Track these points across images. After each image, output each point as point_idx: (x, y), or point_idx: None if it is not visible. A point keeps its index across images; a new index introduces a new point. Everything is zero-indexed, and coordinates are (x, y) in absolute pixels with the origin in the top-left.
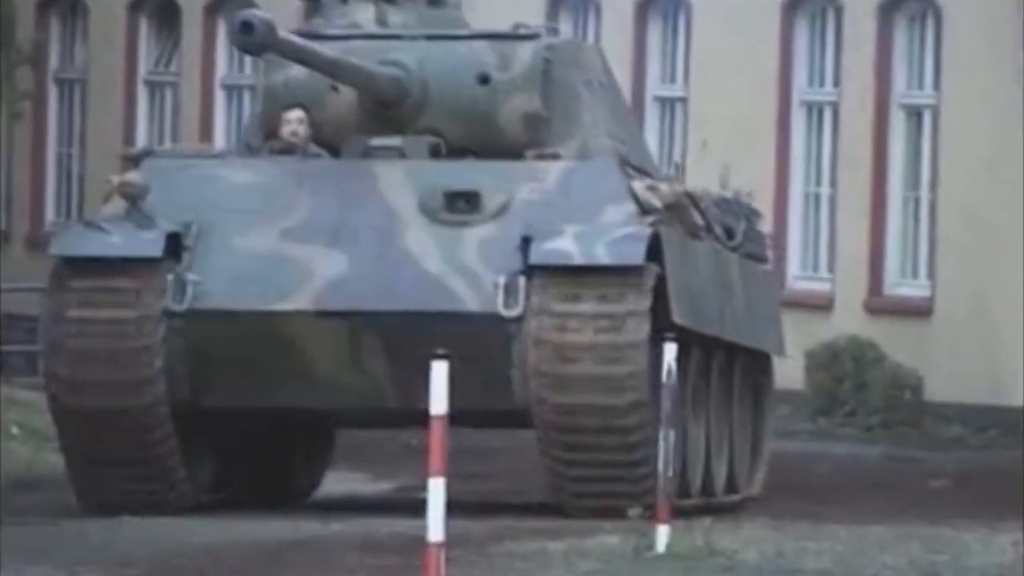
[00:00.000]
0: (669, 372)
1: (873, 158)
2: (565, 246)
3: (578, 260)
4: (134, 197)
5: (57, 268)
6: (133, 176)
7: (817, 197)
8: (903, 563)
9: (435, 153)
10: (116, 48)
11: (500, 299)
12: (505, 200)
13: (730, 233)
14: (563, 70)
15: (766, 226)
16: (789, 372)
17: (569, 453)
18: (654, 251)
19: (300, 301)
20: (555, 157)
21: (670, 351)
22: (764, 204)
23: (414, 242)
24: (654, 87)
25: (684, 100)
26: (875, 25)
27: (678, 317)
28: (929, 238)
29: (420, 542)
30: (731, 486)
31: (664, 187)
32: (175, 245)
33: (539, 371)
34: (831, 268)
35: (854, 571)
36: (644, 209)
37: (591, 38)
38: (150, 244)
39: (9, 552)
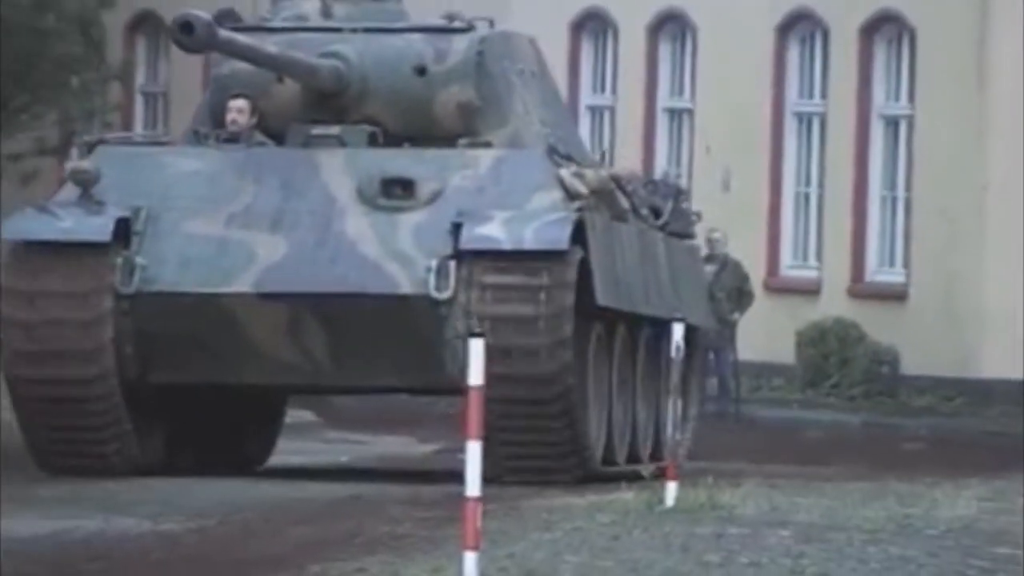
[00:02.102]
0: (677, 348)
1: (855, 162)
2: (494, 232)
3: (506, 245)
4: (85, 183)
5: (10, 250)
6: (84, 163)
7: (807, 196)
8: (881, 516)
9: (373, 142)
10: (194, 64)
11: (432, 282)
12: (438, 187)
13: (657, 213)
14: (496, 61)
15: (758, 220)
16: (782, 348)
17: (498, 422)
18: (579, 236)
19: (243, 284)
20: (487, 145)
21: (678, 331)
22: (760, 202)
23: (352, 227)
24: (664, 100)
25: (691, 111)
26: (857, 46)
27: (602, 298)
28: (904, 232)
29: (460, 497)
30: (657, 454)
31: (590, 173)
32: (125, 230)
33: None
34: (819, 258)
35: (838, 523)
36: (571, 195)
37: (609, 57)
38: (99, 229)
39: (90, 503)
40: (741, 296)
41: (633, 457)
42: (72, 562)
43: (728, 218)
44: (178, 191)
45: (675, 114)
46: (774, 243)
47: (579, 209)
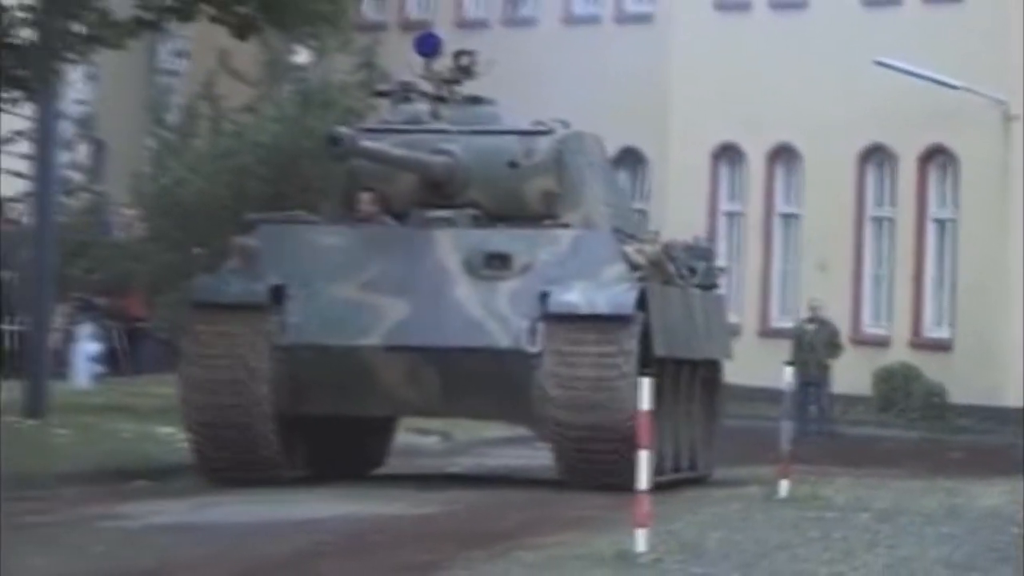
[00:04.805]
0: (789, 385)
1: (915, 252)
2: (574, 299)
3: (584, 310)
4: (248, 256)
5: (192, 307)
6: (247, 239)
7: (880, 276)
8: (934, 504)
9: (476, 222)
10: None
11: (525, 339)
12: (529, 261)
13: (693, 271)
14: (572, 156)
15: (846, 293)
16: (862, 384)
17: (575, 447)
18: (641, 301)
19: (374, 338)
20: (566, 226)
21: (788, 373)
22: (847, 280)
23: (460, 293)
24: (780, 207)
25: (798, 216)
26: (916, 169)
27: (659, 350)
28: (951, 302)
29: (628, 492)
30: (692, 464)
31: (648, 248)
32: (279, 293)
33: (550, 397)
34: (889, 319)
35: (903, 509)
36: (633, 267)
37: (738, 177)
38: (258, 293)
39: (332, 497)
40: (833, 347)
41: (676, 467)
42: (360, 535)
43: (824, 291)
44: (322, 262)
45: (787, 218)
46: (857, 309)
47: (640, 278)
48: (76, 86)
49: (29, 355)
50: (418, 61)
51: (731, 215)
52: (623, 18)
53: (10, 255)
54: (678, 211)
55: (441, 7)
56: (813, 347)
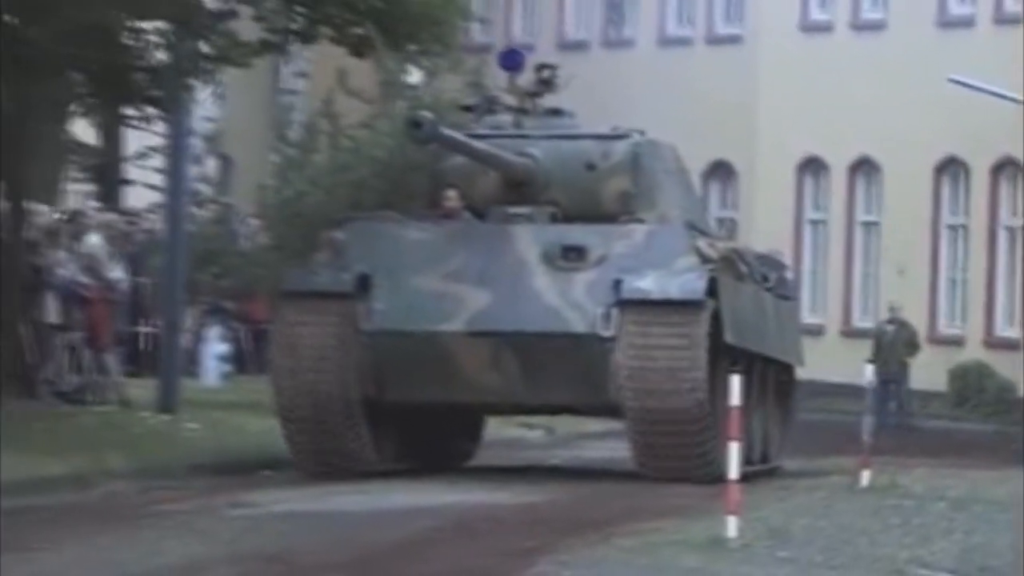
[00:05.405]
0: (869, 381)
1: (987, 258)
2: (646, 285)
3: (656, 296)
4: (336, 249)
5: (283, 297)
6: (336, 233)
7: (955, 280)
8: (1005, 493)
9: (554, 219)
10: None
11: (599, 324)
12: (604, 253)
13: (765, 278)
14: (647, 161)
15: (923, 296)
16: (938, 381)
17: (648, 429)
18: (711, 289)
19: (456, 325)
20: (640, 222)
21: (869, 370)
22: (922, 282)
23: (538, 283)
24: (860, 216)
25: (878, 224)
26: (988, 179)
27: (729, 338)
28: (1021, 303)
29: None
30: (763, 458)
31: (720, 244)
32: (366, 283)
33: (625, 366)
34: (963, 320)
35: (977, 497)
36: (704, 259)
37: (822, 188)
38: (345, 282)
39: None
40: (911, 346)
41: (748, 460)
42: (468, 522)
43: (903, 294)
44: (406, 254)
45: (868, 226)
46: (933, 310)
47: (711, 270)
48: (205, 105)
49: (162, 355)
50: (503, 76)
51: (815, 223)
52: (713, 40)
53: (144, 262)
54: (765, 220)
55: (544, 29)
56: (892, 346)
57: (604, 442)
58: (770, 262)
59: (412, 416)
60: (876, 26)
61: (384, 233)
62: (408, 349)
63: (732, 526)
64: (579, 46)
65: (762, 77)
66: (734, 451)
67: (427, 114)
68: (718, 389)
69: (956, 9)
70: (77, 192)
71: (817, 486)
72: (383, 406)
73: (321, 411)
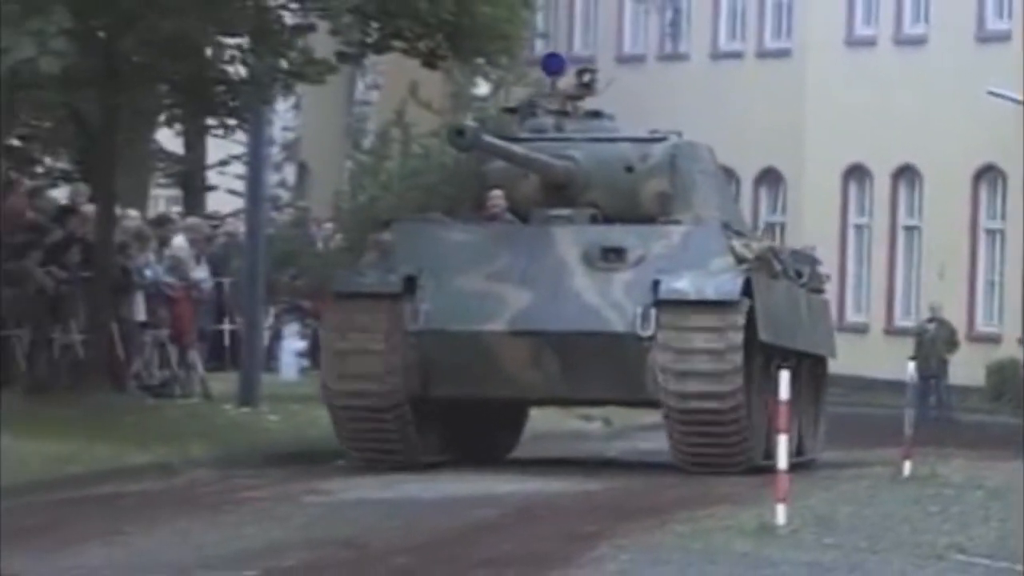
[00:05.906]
0: (911, 377)
1: (1023, 260)
2: (684, 286)
3: (693, 296)
4: (384, 250)
5: (332, 298)
6: (383, 235)
7: (993, 282)
8: None
9: (594, 220)
10: None
11: (638, 323)
12: (643, 254)
13: (800, 274)
14: (684, 162)
15: (962, 296)
16: (976, 376)
17: (686, 427)
18: (747, 289)
19: (499, 324)
20: (677, 223)
21: (911, 367)
22: (961, 283)
23: (578, 283)
24: (902, 220)
25: (919, 228)
26: (1023, 185)
27: (763, 335)
28: None
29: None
30: (801, 450)
31: (755, 244)
32: (412, 284)
33: (664, 367)
34: (1000, 319)
35: (1013, 486)
36: (739, 260)
37: (867, 194)
38: (392, 283)
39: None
40: (951, 344)
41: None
42: (529, 508)
43: (943, 294)
44: (451, 256)
45: (910, 230)
46: (971, 310)
47: (747, 270)
48: (283, 115)
49: (243, 351)
50: (546, 80)
51: (859, 227)
52: (763, 53)
53: (226, 264)
54: (812, 224)
55: (603, 43)
56: (933, 344)
57: (659, 432)
58: (803, 258)
59: (456, 410)
60: (918, 41)
61: (430, 235)
62: (453, 348)
63: (781, 513)
64: (636, 59)
65: (809, 89)
66: (783, 442)
67: (470, 123)
68: (753, 385)
69: (994, 24)
70: (163, 198)
71: (861, 476)
72: (428, 401)
73: (369, 408)
